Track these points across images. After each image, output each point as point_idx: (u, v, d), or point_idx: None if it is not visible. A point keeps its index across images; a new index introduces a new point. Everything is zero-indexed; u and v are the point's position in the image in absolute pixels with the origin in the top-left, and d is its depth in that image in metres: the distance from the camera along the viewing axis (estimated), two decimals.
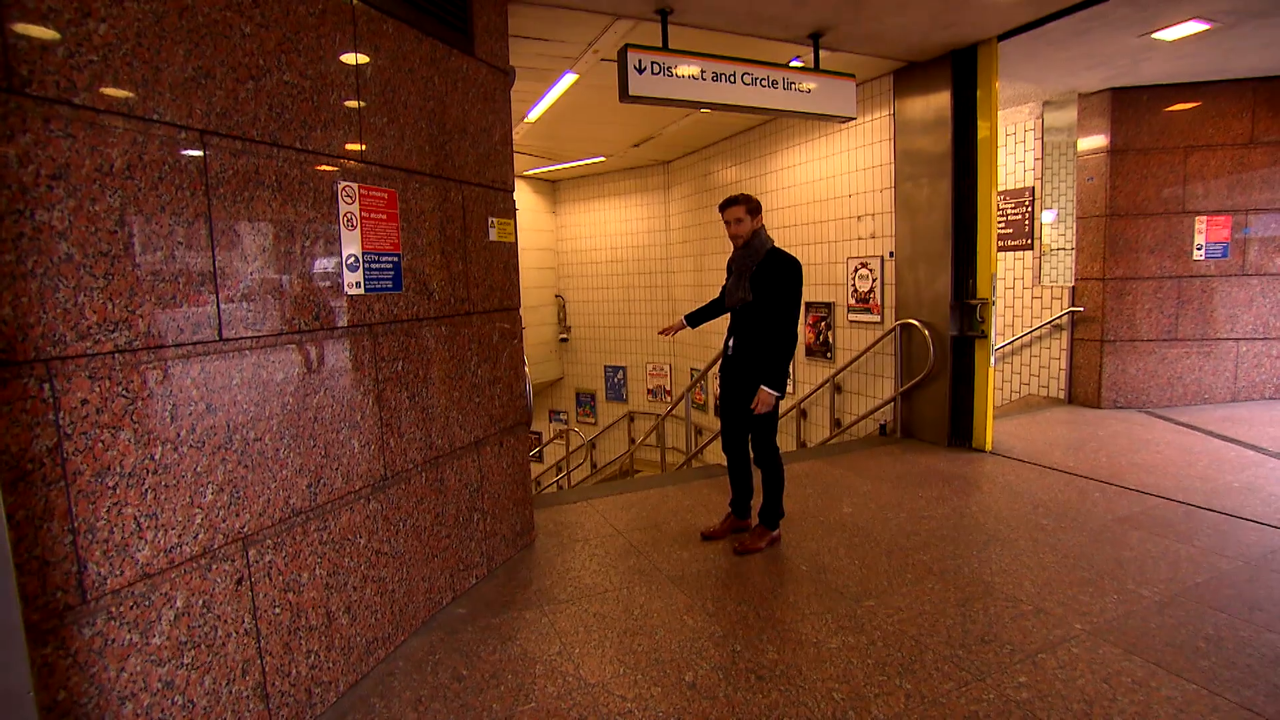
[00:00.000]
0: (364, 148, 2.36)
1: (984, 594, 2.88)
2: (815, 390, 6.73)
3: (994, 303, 4.85)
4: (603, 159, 9.00)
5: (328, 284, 2.20)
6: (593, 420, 10.58)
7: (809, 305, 6.83)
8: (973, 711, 2.12)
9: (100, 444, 1.57)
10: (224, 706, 1.88)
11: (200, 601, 1.81)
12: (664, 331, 3.81)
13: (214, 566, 1.85)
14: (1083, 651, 2.43)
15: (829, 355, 6.61)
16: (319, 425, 2.17)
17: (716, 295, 3.51)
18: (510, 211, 3.23)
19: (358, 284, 2.27)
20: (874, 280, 5.88)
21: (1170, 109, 6.09)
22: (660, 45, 3.92)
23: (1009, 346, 7.08)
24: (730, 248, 3.39)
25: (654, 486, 4.59)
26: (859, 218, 6.05)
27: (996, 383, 7.16)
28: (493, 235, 3.05)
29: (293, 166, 2.08)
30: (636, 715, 2.15)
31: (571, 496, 4.41)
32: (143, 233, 1.67)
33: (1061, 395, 6.72)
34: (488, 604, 2.88)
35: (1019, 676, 2.30)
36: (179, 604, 1.76)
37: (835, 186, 6.35)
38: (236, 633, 1.92)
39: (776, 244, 3.27)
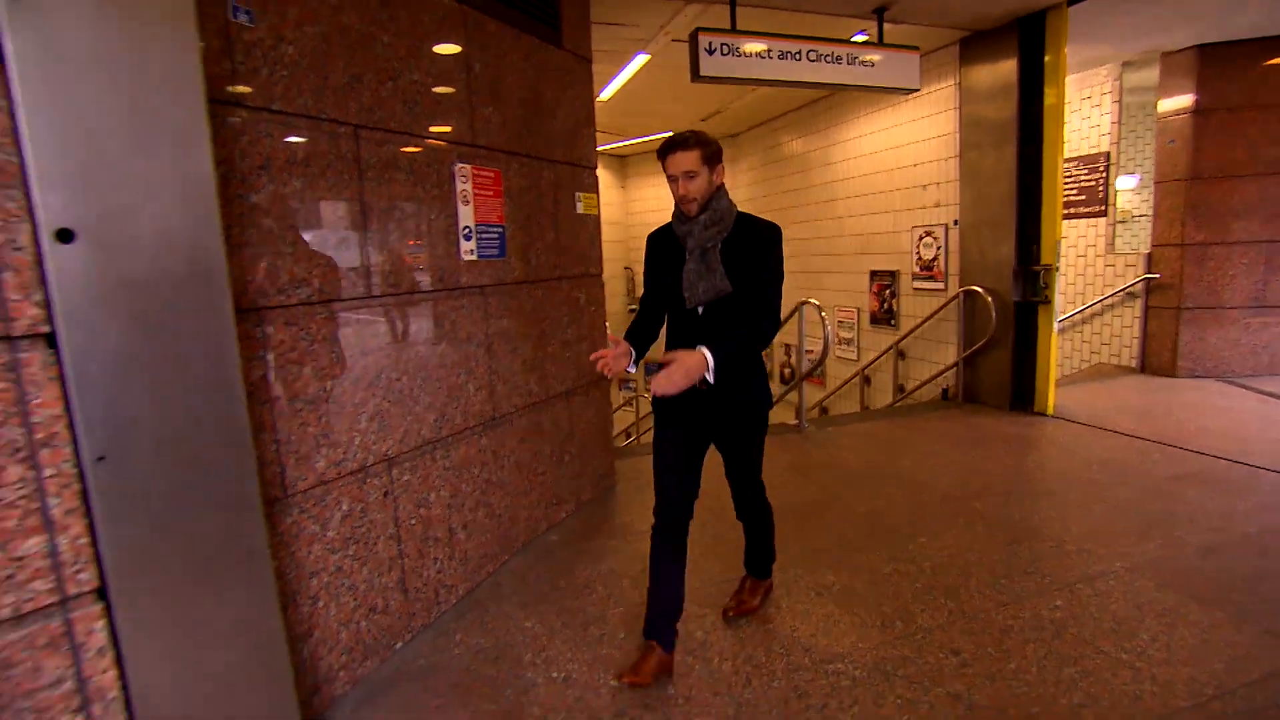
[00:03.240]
0: (475, 133, 2.75)
1: (1030, 537, 3.10)
2: (879, 357, 6.88)
3: (1058, 268, 4.92)
4: (672, 133, 9.23)
5: (449, 251, 2.61)
6: None
7: (874, 274, 6.96)
8: (1008, 625, 2.40)
9: (291, 376, 2.02)
10: (376, 593, 2.35)
11: (359, 507, 2.27)
12: (600, 362, 2.08)
13: (368, 480, 2.30)
14: (1119, 584, 2.65)
15: (893, 323, 6.74)
16: (443, 370, 2.60)
17: (644, 298, 2.32)
18: (593, 186, 3.59)
19: (472, 251, 2.68)
20: (938, 248, 5.98)
21: (1270, 62, 5.83)
22: (729, 27, 4.16)
23: (1079, 315, 7.02)
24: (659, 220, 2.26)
25: None
26: (924, 186, 6.14)
27: (1065, 351, 7.12)
28: (579, 209, 3.42)
29: (422, 152, 2.49)
30: (710, 616, 2.52)
31: (646, 449, 4.80)
32: (316, 209, 2.11)
33: (1134, 364, 6.65)
34: (577, 533, 3.30)
35: (1055, 600, 2.55)
36: (344, 507, 2.22)
37: (901, 156, 6.43)
38: (384, 536, 2.38)
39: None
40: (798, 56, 4.30)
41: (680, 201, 2.05)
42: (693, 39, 4.06)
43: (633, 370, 2.15)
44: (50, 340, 1.41)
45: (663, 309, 2.24)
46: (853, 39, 4.65)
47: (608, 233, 11.06)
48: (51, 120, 1.38)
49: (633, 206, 11.04)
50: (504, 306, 2.92)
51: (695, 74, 4.12)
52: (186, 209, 1.58)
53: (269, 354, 1.95)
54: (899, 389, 6.62)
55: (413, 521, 2.49)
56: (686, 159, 2.00)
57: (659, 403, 2.17)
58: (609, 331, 3.76)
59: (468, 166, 2.69)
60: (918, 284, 6.33)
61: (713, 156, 2.05)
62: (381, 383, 2.34)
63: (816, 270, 8.03)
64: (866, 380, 7.21)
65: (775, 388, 8.26)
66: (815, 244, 8.03)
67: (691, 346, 1.97)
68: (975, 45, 5.33)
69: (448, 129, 2.62)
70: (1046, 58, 4.83)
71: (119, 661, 1.53)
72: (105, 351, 1.47)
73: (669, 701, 2.08)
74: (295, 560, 2.03)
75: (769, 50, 4.24)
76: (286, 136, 1.99)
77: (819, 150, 7.73)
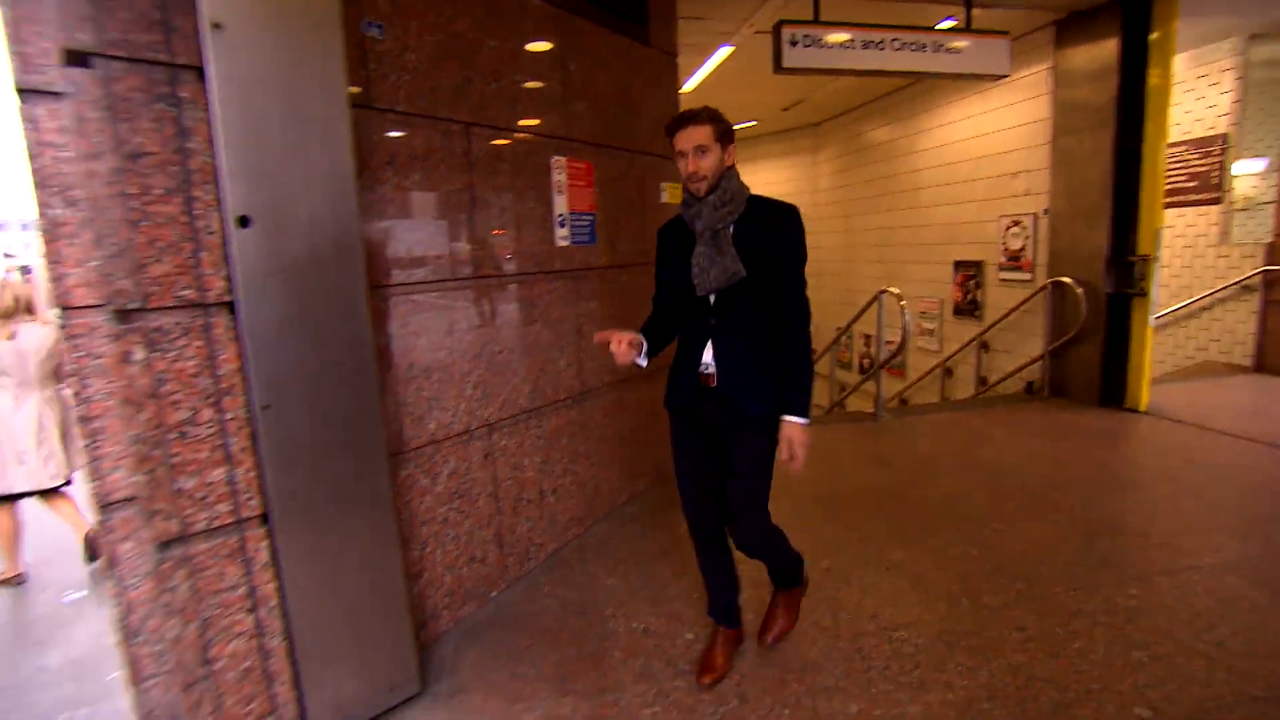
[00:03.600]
0: (569, 127, 2.97)
1: (1111, 530, 3.07)
2: (961, 348, 6.74)
3: (1157, 259, 4.72)
4: (754, 123, 9.28)
5: (545, 238, 2.85)
6: None
7: (958, 264, 6.82)
8: (1078, 608, 2.43)
9: (409, 346, 2.30)
10: (475, 544, 2.62)
11: (464, 466, 2.54)
12: (602, 337, 1.93)
13: (471, 442, 2.57)
14: (1204, 578, 2.61)
15: (976, 314, 6.59)
16: (538, 346, 2.84)
17: (656, 296, 2.15)
18: (677, 176, 3.75)
19: (565, 238, 2.90)
20: (1026, 238, 5.81)
21: None
22: (812, 18, 4.22)
23: (1183, 309, 6.64)
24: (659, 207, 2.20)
25: None
26: (1013, 174, 5.97)
27: (1167, 347, 6.76)
28: (664, 198, 3.60)
29: (522, 145, 2.72)
30: (762, 579, 2.66)
31: None
32: (432, 199, 2.37)
33: (1247, 362, 6.24)
34: (654, 505, 3.50)
35: (1130, 589, 2.55)
36: (451, 465, 2.49)
37: (989, 144, 6.27)
38: (484, 494, 2.64)
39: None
40: (881, 46, 4.31)
41: (689, 180, 1.90)
42: (775, 31, 4.15)
43: (643, 364, 1.95)
44: (231, 308, 1.72)
45: (675, 306, 2.05)
46: (938, 26, 4.60)
47: None
48: (235, 127, 1.67)
49: None
50: (593, 290, 3.14)
51: (778, 66, 4.20)
52: (333, 199, 1.85)
53: (391, 326, 2.22)
54: (981, 381, 6.48)
55: (509, 482, 2.75)
56: (699, 133, 1.86)
57: (669, 409, 2.09)
58: None
59: (562, 159, 2.91)
60: (1004, 274, 6.17)
61: (725, 134, 1.90)
62: (484, 355, 2.60)
63: (899, 260, 7.92)
64: (948, 372, 7.08)
65: (853, 378, 8.21)
66: (898, 234, 7.91)
67: (703, 341, 1.94)
68: (1072, 26, 5.14)
69: (545, 124, 2.84)
70: (1153, 35, 4.63)
71: (278, 575, 1.83)
72: (270, 318, 1.76)
73: (737, 653, 2.25)
74: (409, 509, 2.31)
75: (852, 40, 4.27)
76: (408, 134, 2.25)
77: (904, 138, 7.60)
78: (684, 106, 5.68)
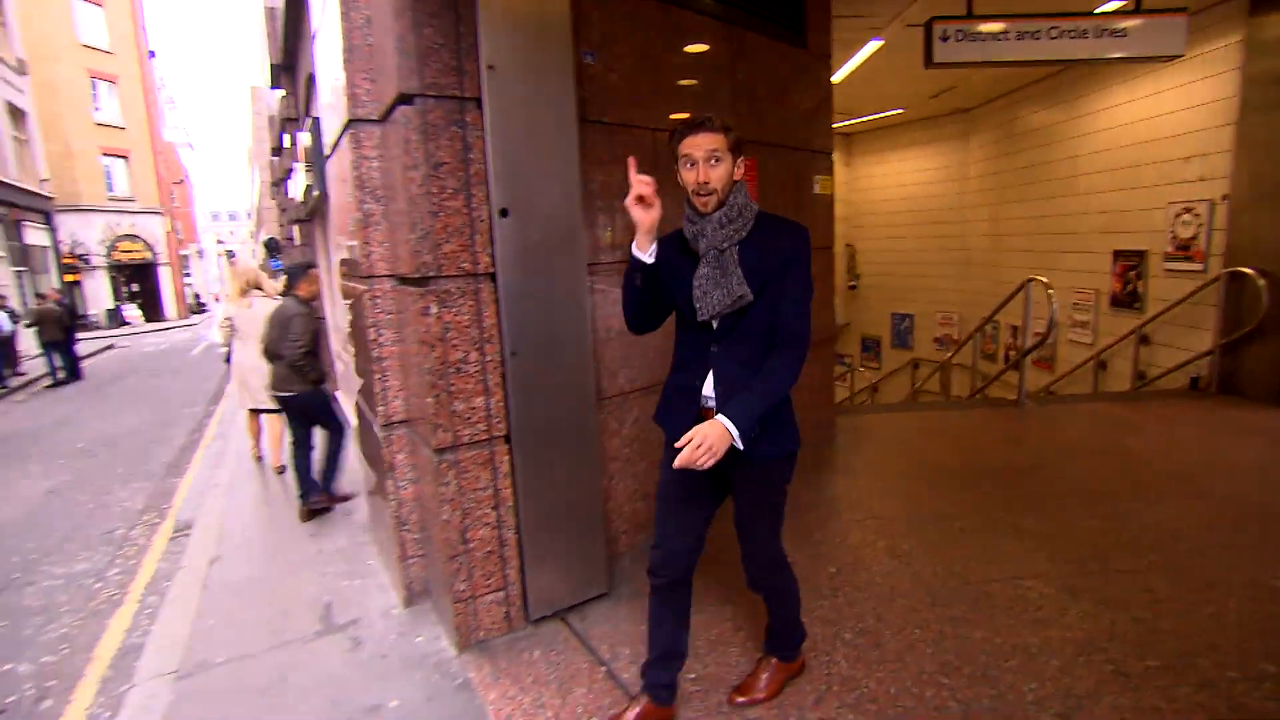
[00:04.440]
0: (736, 128, 3.38)
1: (1266, 518, 3.06)
2: (1117, 341, 6.48)
3: None
4: (900, 111, 9.23)
5: None
6: (876, 365, 11.06)
7: (1117, 254, 6.54)
8: (1215, 579, 2.55)
9: (608, 314, 2.82)
10: (649, 484, 3.12)
11: (644, 416, 3.05)
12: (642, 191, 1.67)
13: (650, 396, 3.07)
14: None
15: (1136, 305, 6.31)
16: None
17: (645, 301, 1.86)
18: (829, 169, 4.07)
19: None
20: (1199, 226, 5.53)
21: None
22: (965, 13, 4.34)
23: None
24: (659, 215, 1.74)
25: (937, 409, 5.18)
26: (1185, 159, 5.67)
27: None
28: (816, 189, 3.93)
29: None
30: (914, 541, 2.97)
31: (865, 409, 5.21)
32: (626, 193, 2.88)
33: None
34: (801, 468, 3.86)
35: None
36: (634, 414, 3.00)
37: (1159, 126, 5.97)
38: (657, 442, 3.14)
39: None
40: (1038, 35, 4.35)
41: (695, 192, 1.69)
42: (927, 29, 4.32)
43: (646, 259, 1.75)
44: (492, 278, 2.30)
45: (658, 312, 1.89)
46: (1100, 10, 4.54)
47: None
48: (499, 141, 2.24)
49: (857, 184, 11.12)
50: None
51: (928, 61, 4.37)
52: (563, 196, 2.39)
53: (596, 298, 2.76)
54: (1138, 376, 6.22)
55: None
56: (712, 139, 1.66)
57: (664, 430, 1.88)
58: (835, 297, 4.23)
59: None
60: (1170, 264, 5.88)
61: (736, 145, 1.70)
62: (664, 326, 3.08)
63: (1051, 250, 7.65)
64: (1101, 366, 6.81)
65: (995, 369, 8.04)
66: (1050, 222, 7.64)
67: (703, 370, 1.76)
68: None
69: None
70: None
71: (514, 483, 2.42)
72: (518, 287, 2.33)
73: (869, 585, 2.60)
74: (601, 446, 2.85)
75: (1006, 31, 4.35)
76: (609, 141, 2.77)
77: (1064, 122, 7.32)
78: (835, 99, 5.76)
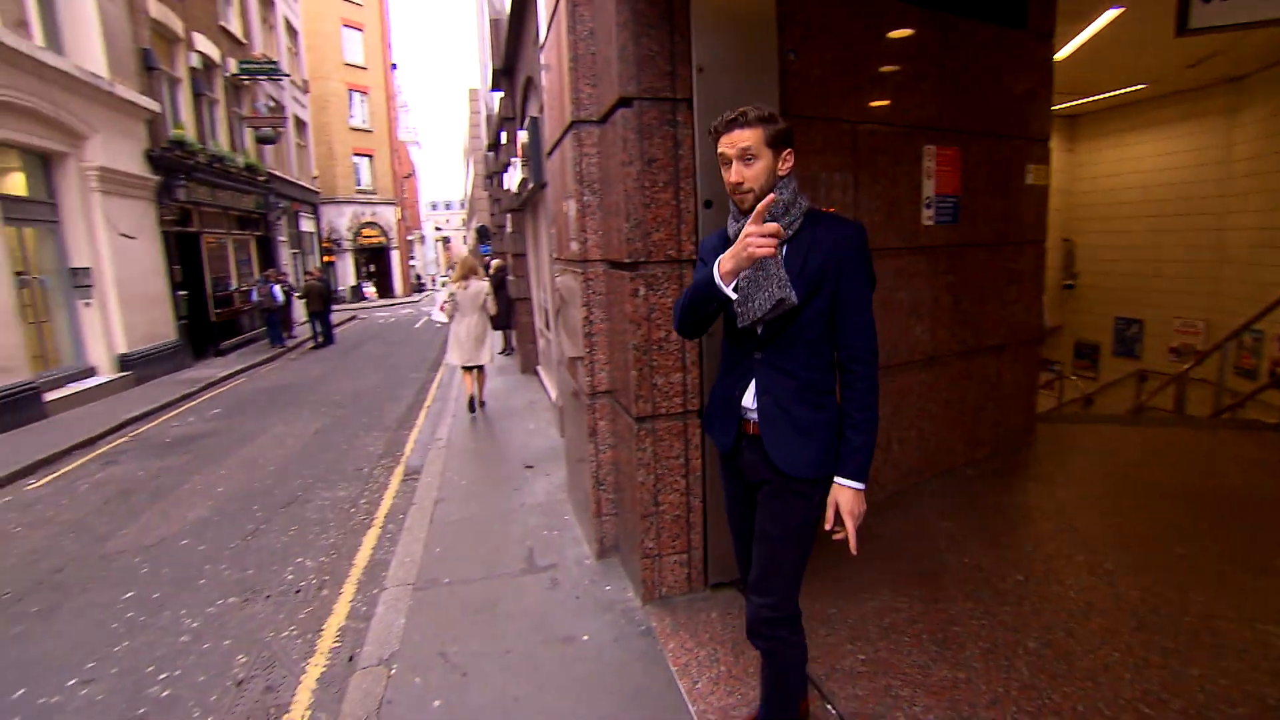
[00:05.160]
0: (940, 118, 3.28)
1: None
2: None
3: None
4: (1142, 86, 8.10)
5: (913, 216, 3.24)
6: (1092, 374, 9.86)
7: None
8: None
9: None
10: None
11: None
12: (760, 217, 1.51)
13: None
14: None
15: None
16: (899, 312, 3.26)
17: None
18: (1044, 158, 3.78)
19: (930, 218, 3.26)
20: None
21: None
22: None
23: None
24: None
25: (1166, 425, 4.60)
26: None
27: None
28: (1028, 180, 3.68)
29: (897, 137, 3.14)
30: (1120, 560, 2.74)
31: (1073, 418, 4.77)
32: (826, 181, 2.93)
33: None
34: (993, 472, 3.68)
35: None
36: None
37: None
38: None
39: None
40: None
41: (732, 192, 1.63)
42: None
43: (730, 294, 1.61)
44: (693, 264, 2.49)
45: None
46: None
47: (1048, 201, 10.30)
48: (700, 136, 2.40)
49: (1080, 172, 9.95)
50: (952, 265, 3.43)
51: (1181, 27, 3.84)
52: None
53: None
54: None
55: None
56: (743, 136, 1.56)
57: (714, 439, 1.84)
58: (1044, 294, 3.94)
59: (932, 147, 3.24)
60: None
61: (778, 138, 1.58)
62: None
63: None
64: None
65: (1251, 386, 6.87)
66: None
67: (745, 378, 1.69)
68: None
69: (919, 116, 3.21)
70: None
71: (703, 455, 2.61)
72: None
73: (1061, 598, 2.45)
74: None
75: None
76: (810, 134, 2.84)
77: None
78: (1057, 78, 5.33)
